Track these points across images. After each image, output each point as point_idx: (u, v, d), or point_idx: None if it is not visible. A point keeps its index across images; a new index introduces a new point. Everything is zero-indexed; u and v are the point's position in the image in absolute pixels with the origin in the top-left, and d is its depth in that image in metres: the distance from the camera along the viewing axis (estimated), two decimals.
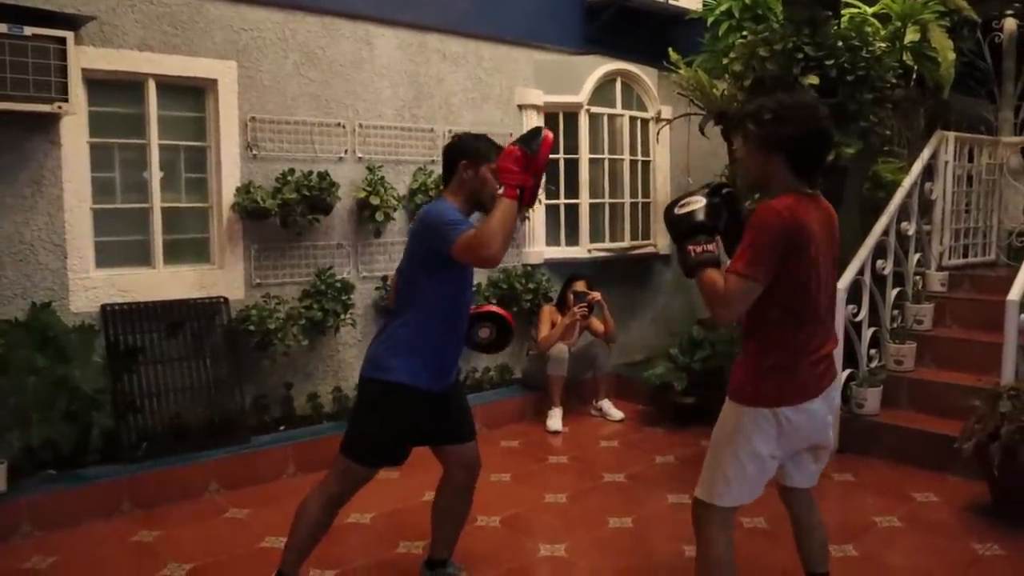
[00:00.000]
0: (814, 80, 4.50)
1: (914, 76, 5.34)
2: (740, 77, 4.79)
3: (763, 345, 2.58)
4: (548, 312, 6.15)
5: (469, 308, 3.21)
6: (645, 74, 7.02)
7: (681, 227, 2.58)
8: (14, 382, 4.18)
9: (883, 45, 4.76)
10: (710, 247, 2.53)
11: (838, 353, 5.05)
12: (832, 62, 4.53)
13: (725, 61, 4.97)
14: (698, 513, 2.68)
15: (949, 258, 6.19)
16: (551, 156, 6.52)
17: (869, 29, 4.81)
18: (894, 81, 4.83)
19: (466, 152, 3.08)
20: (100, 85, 4.71)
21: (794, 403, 2.55)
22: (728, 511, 2.64)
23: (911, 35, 5.17)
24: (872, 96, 4.68)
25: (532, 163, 2.77)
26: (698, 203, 2.59)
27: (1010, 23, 6.66)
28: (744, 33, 5.08)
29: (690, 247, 2.53)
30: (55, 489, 4.18)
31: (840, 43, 4.60)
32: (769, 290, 2.48)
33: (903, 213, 5.62)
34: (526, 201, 2.84)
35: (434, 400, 3.08)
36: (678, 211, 2.60)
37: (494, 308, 3.42)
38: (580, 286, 6.04)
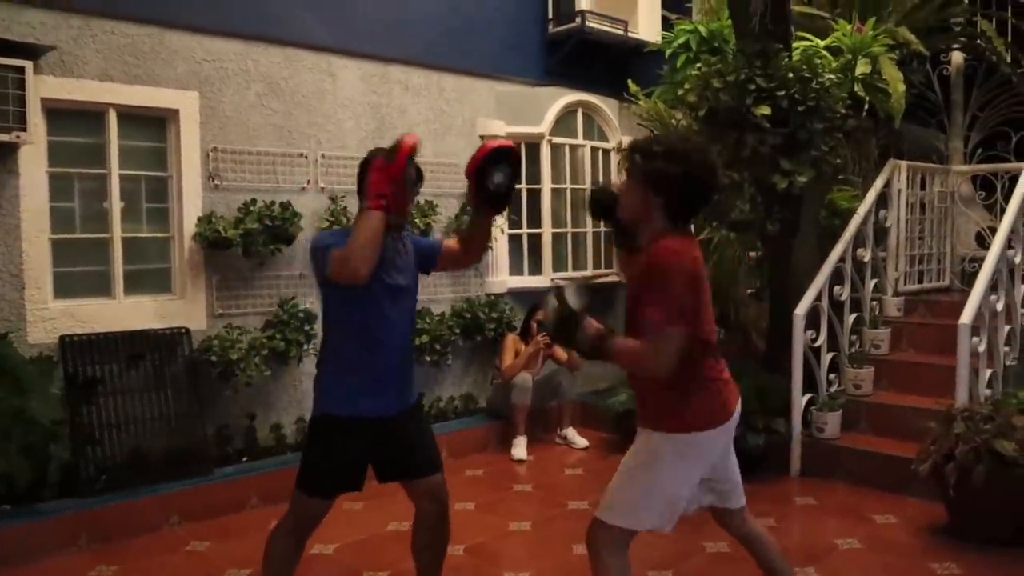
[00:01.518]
0: (766, 110, 4.61)
1: (866, 107, 5.48)
2: (695, 108, 4.89)
3: (679, 376, 2.51)
4: (512, 341, 6.17)
5: (401, 325, 3.00)
6: (606, 105, 7.12)
7: (570, 330, 2.59)
8: None
9: (832, 77, 4.89)
10: (595, 326, 2.52)
11: (797, 378, 5.22)
12: (783, 93, 4.65)
13: (680, 92, 5.08)
14: (597, 535, 2.62)
15: (905, 284, 6.32)
16: (518, 186, 6.63)
17: (819, 61, 4.94)
18: (843, 111, 4.96)
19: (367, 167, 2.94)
20: (60, 115, 4.70)
21: (717, 424, 2.59)
22: (627, 535, 2.62)
23: (862, 67, 5.31)
24: (823, 126, 4.80)
25: (390, 171, 2.74)
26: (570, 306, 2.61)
27: (957, 56, 6.88)
28: (699, 65, 5.18)
29: (582, 337, 2.53)
30: (10, 524, 4.10)
31: (791, 75, 4.72)
32: None
33: (859, 240, 5.73)
34: (392, 210, 2.77)
35: (380, 426, 2.95)
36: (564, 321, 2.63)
37: (499, 144, 2.90)
38: (543, 315, 6.05)
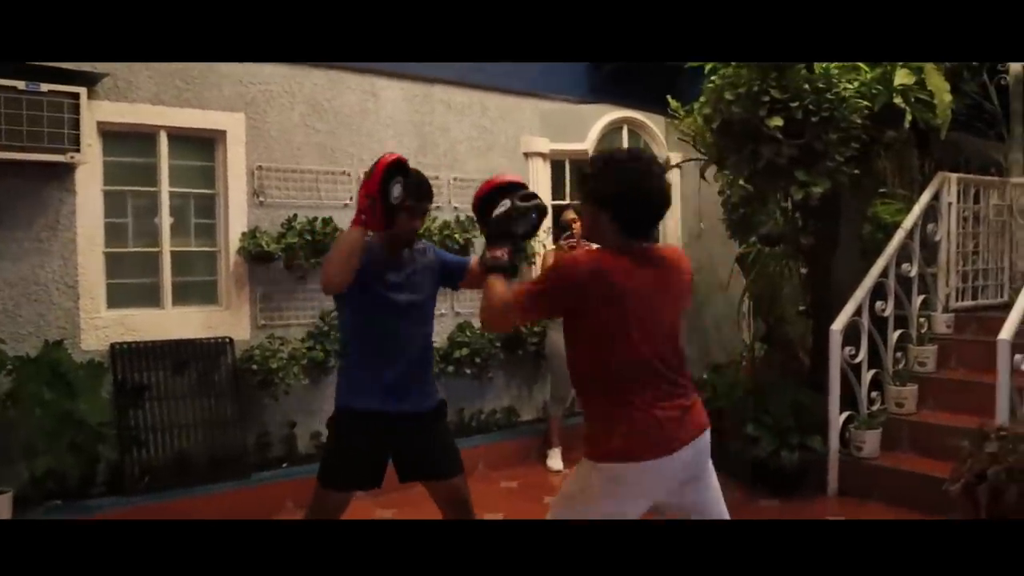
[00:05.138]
0: (778, 122, 4.56)
1: (910, 118, 5.35)
2: (709, 120, 4.88)
3: (599, 401, 2.48)
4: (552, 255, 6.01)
5: (408, 336, 3.13)
6: (652, 121, 7.15)
7: (493, 229, 2.73)
8: (23, 415, 4.40)
9: (851, 87, 4.80)
10: (501, 254, 2.65)
11: (834, 395, 5.12)
12: (797, 104, 4.59)
13: (696, 105, 5.08)
14: None
15: (958, 300, 6.10)
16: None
17: (836, 71, 4.84)
18: (861, 121, 4.84)
19: None
20: (115, 136, 5.01)
21: (650, 456, 2.38)
22: None
23: (902, 78, 5.17)
24: (837, 136, 4.71)
25: (366, 187, 2.89)
26: (506, 206, 2.71)
27: (1015, 66, 6.64)
28: (714, 77, 5.12)
29: (489, 251, 2.68)
30: (60, 519, 4.33)
31: (806, 85, 4.66)
32: (585, 344, 2.47)
33: (905, 255, 5.59)
34: (371, 226, 2.92)
35: (390, 423, 3.07)
36: (496, 213, 2.73)
37: (506, 178, 2.94)
38: (568, 215, 5.83)
